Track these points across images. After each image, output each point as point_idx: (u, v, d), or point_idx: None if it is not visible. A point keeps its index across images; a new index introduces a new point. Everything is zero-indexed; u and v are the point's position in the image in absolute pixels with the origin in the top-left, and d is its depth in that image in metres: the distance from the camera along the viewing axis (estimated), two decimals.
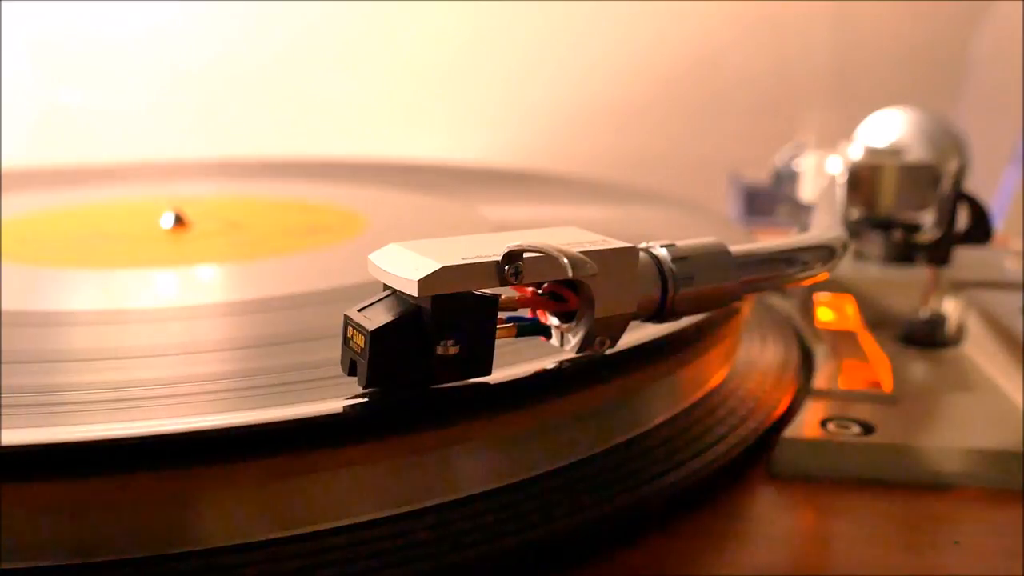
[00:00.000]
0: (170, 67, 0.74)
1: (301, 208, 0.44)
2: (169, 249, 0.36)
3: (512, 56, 0.73)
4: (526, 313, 0.20)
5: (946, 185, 0.35)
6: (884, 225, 0.37)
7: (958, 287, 0.35)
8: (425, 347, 0.18)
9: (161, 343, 0.24)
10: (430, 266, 0.17)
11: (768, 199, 0.45)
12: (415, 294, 0.17)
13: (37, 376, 0.21)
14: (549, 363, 0.21)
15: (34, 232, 0.39)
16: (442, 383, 0.19)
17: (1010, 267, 0.39)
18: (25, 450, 0.16)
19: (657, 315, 0.21)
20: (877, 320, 0.35)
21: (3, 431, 0.17)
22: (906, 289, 0.36)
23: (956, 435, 0.25)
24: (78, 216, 0.42)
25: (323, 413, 0.18)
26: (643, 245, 0.21)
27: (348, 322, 0.19)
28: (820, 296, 0.36)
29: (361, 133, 0.75)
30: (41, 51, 0.74)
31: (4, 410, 0.18)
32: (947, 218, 0.34)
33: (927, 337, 0.33)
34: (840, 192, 0.36)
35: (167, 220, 0.38)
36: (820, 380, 0.29)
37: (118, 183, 0.51)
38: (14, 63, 0.72)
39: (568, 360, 0.21)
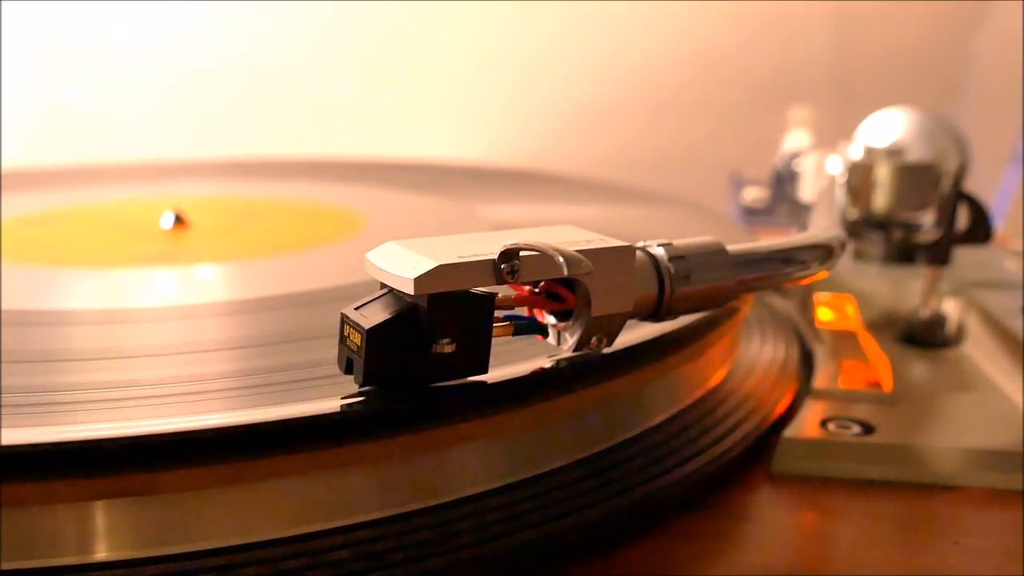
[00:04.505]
0: (172, 69, 0.74)
1: (301, 208, 0.44)
2: (169, 249, 0.36)
3: (511, 57, 0.73)
4: (523, 312, 0.20)
5: (946, 185, 0.35)
6: (884, 225, 0.37)
7: (958, 287, 0.35)
8: (421, 345, 0.18)
9: (161, 343, 0.24)
10: (426, 264, 0.17)
11: (766, 212, 0.45)
12: (411, 292, 0.17)
13: (37, 376, 0.21)
14: (546, 362, 0.21)
15: (34, 232, 0.39)
16: (438, 382, 0.19)
17: (1010, 267, 0.39)
18: (24, 450, 0.16)
19: (654, 314, 0.21)
20: (877, 320, 0.35)
21: (3, 431, 0.17)
22: (906, 289, 0.36)
23: (956, 435, 0.25)
24: (78, 216, 0.42)
25: (318, 412, 0.18)
26: (640, 244, 0.21)
27: (345, 320, 0.19)
28: (820, 296, 0.36)
29: (361, 133, 0.75)
30: (43, 52, 0.74)
31: (4, 410, 0.18)
32: (947, 218, 0.34)
33: (927, 337, 0.33)
34: (840, 192, 0.36)
35: (167, 220, 0.38)
36: (820, 380, 0.29)
37: (118, 183, 0.51)
38: (16, 63, 0.73)
39: (565, 359, 0.21)
